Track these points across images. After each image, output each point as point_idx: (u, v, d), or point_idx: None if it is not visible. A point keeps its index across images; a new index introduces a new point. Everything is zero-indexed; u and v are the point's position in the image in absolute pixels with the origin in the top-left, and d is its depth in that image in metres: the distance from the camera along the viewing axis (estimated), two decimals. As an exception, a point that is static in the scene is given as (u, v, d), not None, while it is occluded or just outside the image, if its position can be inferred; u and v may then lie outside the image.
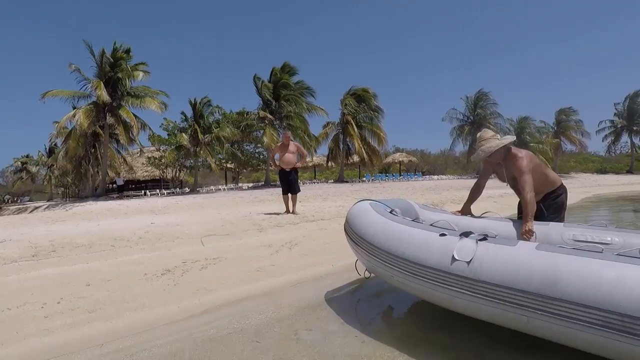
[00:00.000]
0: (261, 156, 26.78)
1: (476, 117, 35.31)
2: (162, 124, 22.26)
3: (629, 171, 46.19)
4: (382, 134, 27.25)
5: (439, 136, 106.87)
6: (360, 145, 26.16)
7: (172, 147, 21.47)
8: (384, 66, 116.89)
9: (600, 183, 29.05)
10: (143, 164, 27.95)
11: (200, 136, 21.46)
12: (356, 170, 36.99)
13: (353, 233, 2.75)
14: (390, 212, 2.73)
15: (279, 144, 7.98)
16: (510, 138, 2.88)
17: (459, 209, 3.27)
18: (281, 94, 23.66)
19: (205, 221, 6.97)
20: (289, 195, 7.88)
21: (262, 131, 22.98)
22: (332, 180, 29.88)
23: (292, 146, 7.77)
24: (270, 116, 23.32)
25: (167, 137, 21.86)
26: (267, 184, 24.85)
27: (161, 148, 23.19)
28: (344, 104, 27.31)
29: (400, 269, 2.22)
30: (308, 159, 29.40)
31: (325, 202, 11.55)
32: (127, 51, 20.24)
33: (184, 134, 20.90)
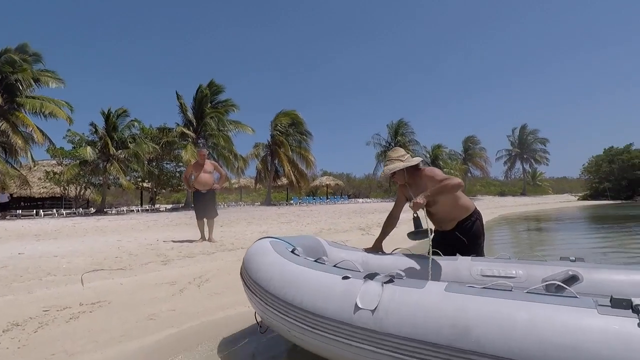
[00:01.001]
0: (182, 175, 24.79)
1: (397, 143, 37.11)
2: (67, 135, 19.52)
3: (523, 193, 52.13)
4: (310, 157, 27.10)
5: (364, 160, 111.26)
6: (289, 168, 25.64)
7: (76, 161, 18.82)
8: (312, 87, 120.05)
9: (502, 205, 32.01)
10: (40, 179, 24.18)
11: (112, 150, 19.17)
12: (284, 193, 36.31)
13: (248, 278, 2.29)
14: (292, 251, 2.34)
15: (193, 163, 7.07)
16: (417, 159, 2.74)
17: (370, 246, 2.94)
18: (205, 111, 22.35)
19: (97, 251, 5.73)
20: (205, 220, 6.94)
21: (182, 150, 21.36)
22: (259, 203, 28.82)
23: (209, 165, 6.91)
24: (192, 134, 21.81)
25: (70, 150, 19.17)
26: (188, 206, 22.99)
27: (64, 162, 20.24)
28: (274, 125, 26.77)
29: (297, 320, 1.86)
30: (234, 180, 28.04)
31: (249, 227, 10.68)
32: (36, 55, 17.64)
33: (89, 147, 18.40)
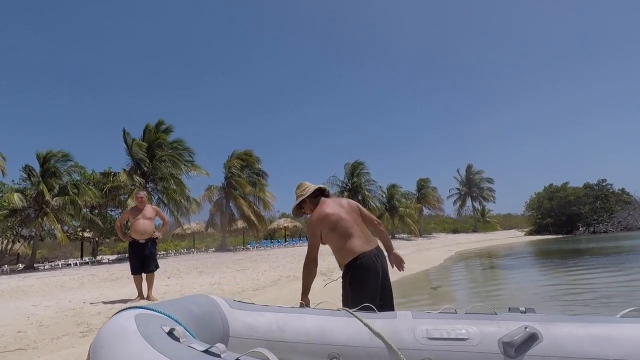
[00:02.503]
0: (129, 223, 22.77)
1: (353, 184, 37.34)
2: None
3: (474, 230, 53.89)
4: (267, 198, 26.27)
5: None
6: (247, 210, 24.49)
7: (3, 211, 16.61)
8: (267, 129, 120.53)
9: (457, 242, 32.68)
10: (-43, 232, 21.14)
11: (48, 198, 17.19)
12: (240, 237, 34.65)
13: None
14: (170, 332, 1.42)
15: (129, 209, 6.16)
16: (311, 188, 2.57)
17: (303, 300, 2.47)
18: (156, 154, 21.10)
19: (-2, 324, 4.52)
20: (143, 275, 5.92)
21: (129, 195, 19.74)
22: (214, 249, 27.08)
23: (149, 210, 6.03)
24: (140, 179, 20.30)
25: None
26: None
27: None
28: (228, 167, 25.83)
29: None
30: (186, 226, 26.27)
31: (200, 278, 9.56)
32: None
33: (17, 194, 16.33)
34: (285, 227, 35.05)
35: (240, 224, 26.99)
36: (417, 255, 18.03)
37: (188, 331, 1.52)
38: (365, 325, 1.89)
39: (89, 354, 1.49)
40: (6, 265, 18.39)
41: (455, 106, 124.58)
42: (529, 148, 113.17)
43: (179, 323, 1.62)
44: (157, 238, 6.05)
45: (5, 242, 19.91)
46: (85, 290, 8.48)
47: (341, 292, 2.55)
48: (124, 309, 1.73)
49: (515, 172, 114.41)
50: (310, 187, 2.60)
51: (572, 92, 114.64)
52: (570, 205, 42.68)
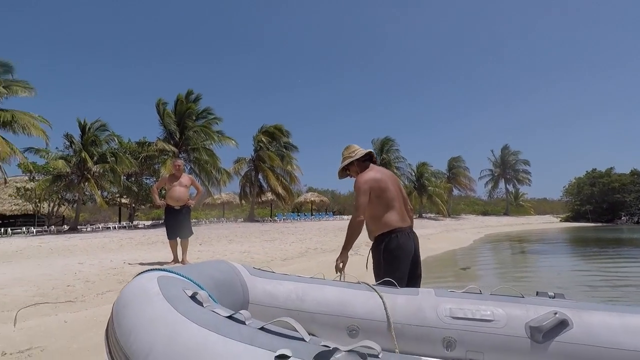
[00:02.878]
0: (162, 191, 23.63)
1: (382, 161, 36.89)
2: (40, 149, 18.37)
3: (505, 213, 52.34)
4: (295, 173, 26.51)
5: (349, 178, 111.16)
6: (275, 183, 24.87)
7: (48, 176, 17.68)
8: (297, 104, 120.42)
9: (487, 224, 31.93)
10: (11, 195, 22.76)
11: (90, 165, 18.10)
12: (268, 209, 35.39)
13: (116, 344, 1.37)
14: (193, 296, 1.41)
15: (166, 176, 6.38)
16: (361, 152, 2.55)
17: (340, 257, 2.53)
18: (187, 124, 21.59)
19: (48, 277, 4.91)
20: (178, 240, 6.19)
21: (162, 164, 20.44)
22: (242, 219, 27.87)
23: (185, 178, 6.22)
24: (174, 148, 20.92)
25: (43, 164, 18.03)
26: (168, 223, 21.89)
27: (36, 177, 19.04)
28: (257, 140, 26.15)
29: None
30: (216, 196, 27.05)
31: (230, 246, 9.90)
32: (5, 65, 16.56)
33: (62, 161, 17.27)
34: (312, 201, 35.41)
35: (269, 196, 27.51)
36: (445, 235, 17.81)
37: (210, 296, 1.49)
38: (383, 302, 1.85)
39: (112, 312, 1.51)
40: (53, 226, 19.82)
41: (495, 85, 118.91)
42: (572, 131, 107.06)
43: (201, 287, 1.62)
44: (190, 205, 6.27)
45: (52, 204, 21.34)
46: (124, 251, 9.01)
47: (366, 265, 2.56)
48: (146, 271, 1.75)
49: (554, 156, 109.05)
50: (360, 150, 2.57)
51: (623, 72, 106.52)
52: (613, 193, 40.33)
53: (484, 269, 8.14)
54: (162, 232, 16.57)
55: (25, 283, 4.50)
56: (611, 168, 44.09)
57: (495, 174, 58.15)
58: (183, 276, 1.69)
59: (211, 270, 1.94)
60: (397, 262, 2.36)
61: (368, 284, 2.02)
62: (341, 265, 2.46)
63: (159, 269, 1.73)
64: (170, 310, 1.27)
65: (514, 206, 57.65)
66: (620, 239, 17.92)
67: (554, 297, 1.81)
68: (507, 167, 57.37)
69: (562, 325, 1.58)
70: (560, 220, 44.01)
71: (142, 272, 1.73)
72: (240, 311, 1.19)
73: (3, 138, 15.57)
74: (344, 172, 2.68)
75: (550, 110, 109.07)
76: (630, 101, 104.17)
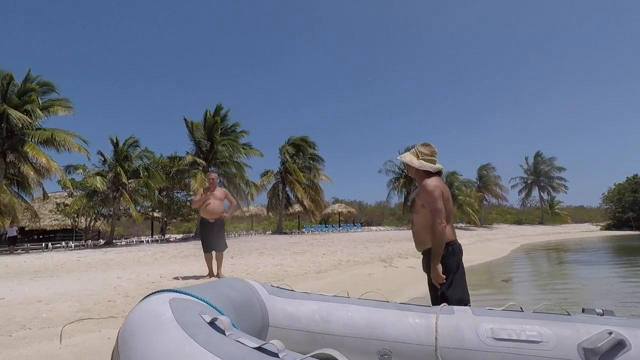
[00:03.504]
0: (186, 204, 24.24)
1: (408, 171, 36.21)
2: (79, 166, 19.21)
3: (541, 222, 50.17)
4: (322, 183, 26.53)
5: (376, 188, 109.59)
6: (303, 195, 24.91)
7: (85, 191, 18.40)
8: (321, 117, 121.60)
9: (522, 234, 30.64)
10: (51, 211, 23.83)
11: (124, 180, 18.74)
12: (295, 221, 35.42)
13: None
14: (212, 322, 1.17)
15: (201, 190, 6.42)
16: (429, 166, 2.43)
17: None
18: (216, 138, 22.08)
19: (90, 292, 4.97)
20: (213, 253, 6.17)
21: (192, 178, 20.91)
22: (270, 232, 27.98)
23: (219, 192, 6.23)
24: (203, 162, 21.35)
25: (80, 181, 18.80)
26: (198, 235, 22.20)
27: (74, 193, 19.89)
28: (283, 152, 26.36)
29: None
30: (245, 209, 27.35)
31: (261, 259, 9.86)
32: (47, 85, 17.44)
33: (99, 177, 17.94)
34: (339, 212, 35.17)
35: (296, 208, 27.54)
36: (479, 246, 17.15)
37: (232, 322, 1.27)
38: (436, 323, 1.68)
39: (117, 341, 1.31)
40: (90, 241, 20.59)
41: (526, 87, 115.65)
42: (610, 136, 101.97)
43: (219, 311, 1.44)
44: (225, 218, 6.25)
45: (89, 219, 22.20)
46: (159, 265, 9.13)
47: (419, 278, 2.47)
48: (156, 292, 1.55)
49: (590, 162, 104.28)
50: (430, 165, 2.44)
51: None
52: (658, 199, 37.94)
53: (524, 281, 7.69)
54: (193, 245, 16.84)
55: (68, 298, 4.56)
56: (655, 173, 41.58)
57: (528, 182, 56.09)
58: (198, 298, 1.49)
59: (227, 290, 1.77)
60: (462, 271, 2.34)
61: (399, 303, 1.89)
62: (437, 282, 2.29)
63: (170, 290, 1.53)
64: (187, 340, 1.06)
65: (549, 215, 55.25)
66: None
67: (602, 315, 1.67)
68: (541, 175, 55.23)
69: (619, 346, 1.46)
70: (601, 229, 41.68)
71: (151, 294, 1.51)
72: (272, 341, 0.99)
73: (45, 155, 16.32)
74: (409, 167, 2.57)
75: (585, 114, 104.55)
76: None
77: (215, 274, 6.20)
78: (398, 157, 2.57)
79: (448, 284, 2.24)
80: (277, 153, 27.30)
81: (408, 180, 35.86)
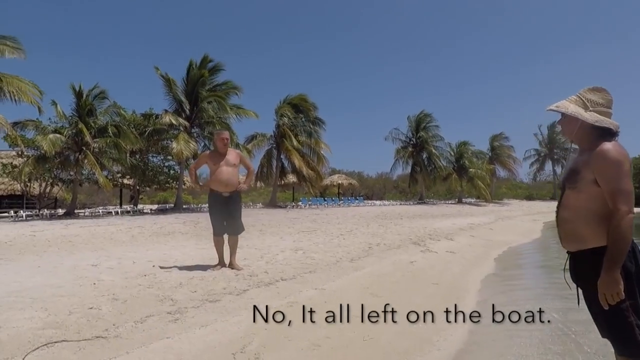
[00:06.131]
0: (171, 171, 22.88)
1: (418, 139, 35.44)
2: (30, 121, 17.35)
3: (553, 197, 50.49)
4: (322, 152, 25.37)
5: (377, 157, 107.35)
6: (301, 163, 23.69)
7: (36, 153, 16.69)
8: (312, 58, 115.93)
9: (536, 210, 30.45)
10: (-4, 172, 21.99)
11: (88, 139, 17.04)
12: (289, 193, 34.35)
13: None
14: None
15: (207, 152, 5.27)
16: (609, 122, 1.80)
17: None
18: (200, 94, 20.44)
19: (56, 291, 3.82)
20: (225, 236, 5.07)
21: (172, 140, 19.38)
22: (261, 204, 26.89)
23: (233, 155, 5.08)
24: (185, 122, 19.79)
25: (33, 137, 17.06)
26: (179, 208, 20.96)
27: (25, 152, 18.12)
28: (279, 114, 24.91)
29: None
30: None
31: (268, 240, 8.83)
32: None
33: (51, 136, 16.09)
34: (339, 184, 34.27)
35: (291, 178, 26.40)
36: (503, 225, 16.65)
37: None
38: None
39: None
40: (46, 210, 19.02)
41: (539, 37, 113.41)
42: (631, 98, 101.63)
43: None
44: (242, 190, 5.12)
45: (43, 185, 20.49)
46: (139, 245, 8.01)
47: (577, 300, 1.93)
48: None
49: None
50: (608, 120, 1.84)
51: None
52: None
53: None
54: (175, 219, 15.66)
55: (27, 302, 3.42)
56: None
57: (542, 154, 56.07)
58: None
59: None
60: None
61: None
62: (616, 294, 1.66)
63: None
64: None
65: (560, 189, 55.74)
66: None
67: None
68: (555, 147, 55.18)
69: None
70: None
71: None
72: None
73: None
74: (572, 120, 1.87)
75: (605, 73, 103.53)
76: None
77: (227, 264, 5.13)
78: (551, 107, 1.93)
79: (631, 301, 1.68)
80: (271, 116, 25.91)
81: (416, 150, 35.08)
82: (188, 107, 20.95)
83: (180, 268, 5.17)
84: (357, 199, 31.83)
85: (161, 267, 5.19)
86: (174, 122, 19.14)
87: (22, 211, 17.55)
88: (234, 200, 5.01)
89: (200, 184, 5.53)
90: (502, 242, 10.79)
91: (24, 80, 15.65)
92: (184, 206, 22.31)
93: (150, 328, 3.03)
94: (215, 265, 5.14)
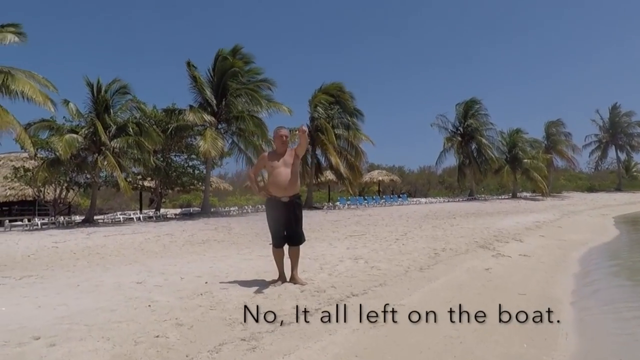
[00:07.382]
0: (196, 171, 22.83)
1: (466, 128, 34.72)
2: (45, 121, 17.63)
3: (617, 189, 48.30)
4: (361, 144, 25.12)
5: (418, 150, 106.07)
6: (338, 161, 23.38)
7: (54, 154, 16.79)
8: (355, 61, 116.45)
9: (602, 203, 29.18)
10: (6, 177, 22.06)
11: (105, 139, 17.14)
12: (323, 192, 34.11)
13: None
14: None
15: (265, 154, 5.03)
16: None
17: None
18: (229, 87, 20.26)
19: (111, 316, 3.65)
20: (285, 247, 4.85)
21: (198, 137, 19.40)
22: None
23: (290, 155, 4.80)
24: (211, 117, 19.78)
25: (46, 138, 17.30)
26: (206, 212, 20.92)
27: (38, 155, 18.34)
28: (314, 105, 24.57)
29: None
30: (260, 178, 26.04)
31: (317, 246, 8.60)
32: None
33: (67, 137, 16.09)
34: (380, 180, 33.84)
35: (327, 175, 26.14)
36: (570, 221, 16.02)
37: None
38: None
39: None
40: (62, 217, 19.17)
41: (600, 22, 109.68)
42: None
43: None
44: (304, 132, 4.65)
45: (58, 190, 20.44)
46: (176, 257, 7.91)
47: None
48: None
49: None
50: None
51: None
52: None
53: None
54: (205, 225, 15.55)
55: (84, 330, 3.25)
56: None
57: (603, 141, 53.81)
58: None
59: None
60: None
61: None
62: None
63: None
64: None
65: (625, 179, 53.64)
66: None
67: None
68: (619, 132, 52.86)
69: None
70: None
71: None
72: None
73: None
74: None
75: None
76: None
77: (288, 279, 4.90)
78: None
79: None
80: (305, 109, 25.60)
81: (465, 140, 34.34)
82: (215, 101, 20.88)
83: (236, 284, 4.98)
84: (399, 197, 31.29)
85: (215, 284, 5.02)
86: (199, 120, 19.07)
87: (36, 219, 17.81)
88: (294, 206, 4.76)
89: (260, 189, 5.03)
90: (578, 241, 10.33)
91: (36, 75, 15.78)
92: (212, 210, 22.39)
93: (227, 358, 2.83)
94: (275, 281, 4.91)
